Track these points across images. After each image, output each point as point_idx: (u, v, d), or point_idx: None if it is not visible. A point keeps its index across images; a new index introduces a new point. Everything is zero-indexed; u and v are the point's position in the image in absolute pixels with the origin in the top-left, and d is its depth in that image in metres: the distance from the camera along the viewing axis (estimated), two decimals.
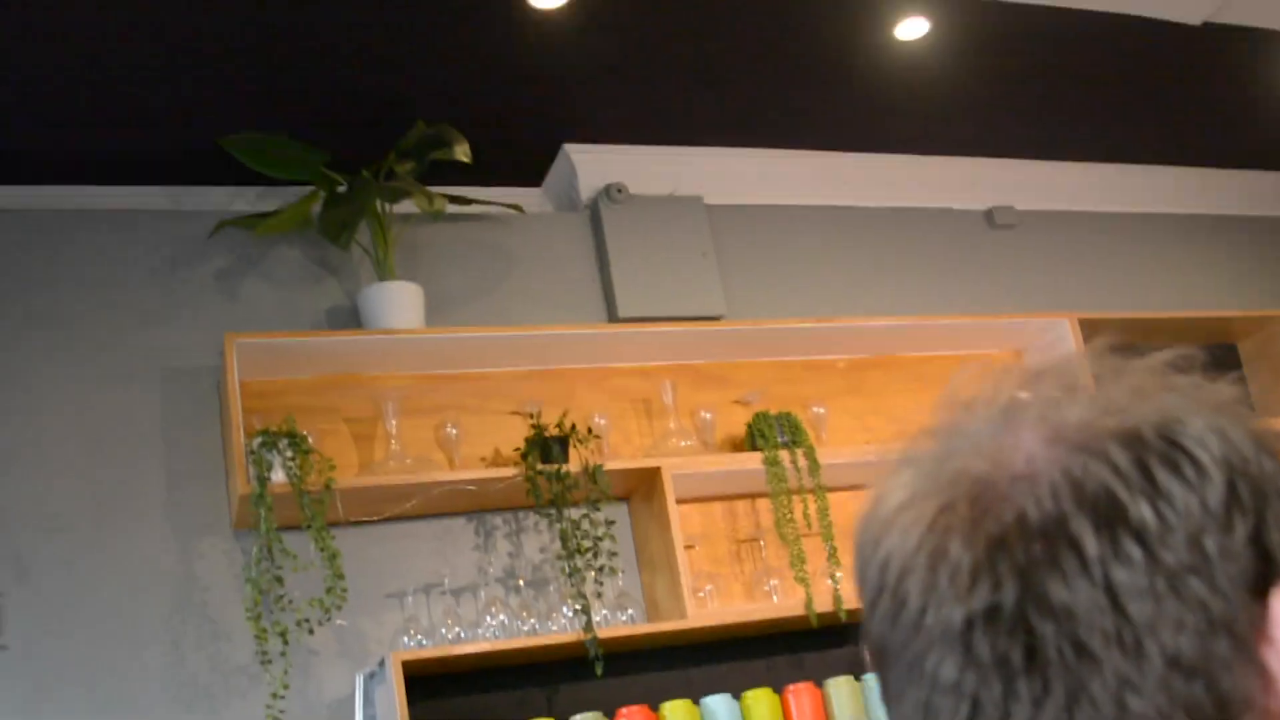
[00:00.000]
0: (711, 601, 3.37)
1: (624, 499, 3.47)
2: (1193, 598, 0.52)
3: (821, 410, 3.68)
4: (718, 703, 3.17)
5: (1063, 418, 0.56)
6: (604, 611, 3.21)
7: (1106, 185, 4.47)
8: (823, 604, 3.27)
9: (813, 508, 3.41)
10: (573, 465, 3.21)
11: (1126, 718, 0.51)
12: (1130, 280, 4.37)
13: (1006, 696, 0.52)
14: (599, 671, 3.05)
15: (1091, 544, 0.52)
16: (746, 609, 3.40)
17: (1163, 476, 0.53)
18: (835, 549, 3.36)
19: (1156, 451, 0.54)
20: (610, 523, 3.21)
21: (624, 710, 3.11)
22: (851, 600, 3.31)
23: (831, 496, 3.44)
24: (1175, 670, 0.51)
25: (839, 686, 3.26)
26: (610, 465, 3.25)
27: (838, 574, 3.34)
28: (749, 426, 3.50)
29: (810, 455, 3.42)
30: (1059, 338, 3.88)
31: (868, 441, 3.66)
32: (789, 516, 3.37)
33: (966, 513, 0.55)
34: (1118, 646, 0.51)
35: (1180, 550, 0.52)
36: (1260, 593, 0.54)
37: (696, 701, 3.17)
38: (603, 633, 3.08)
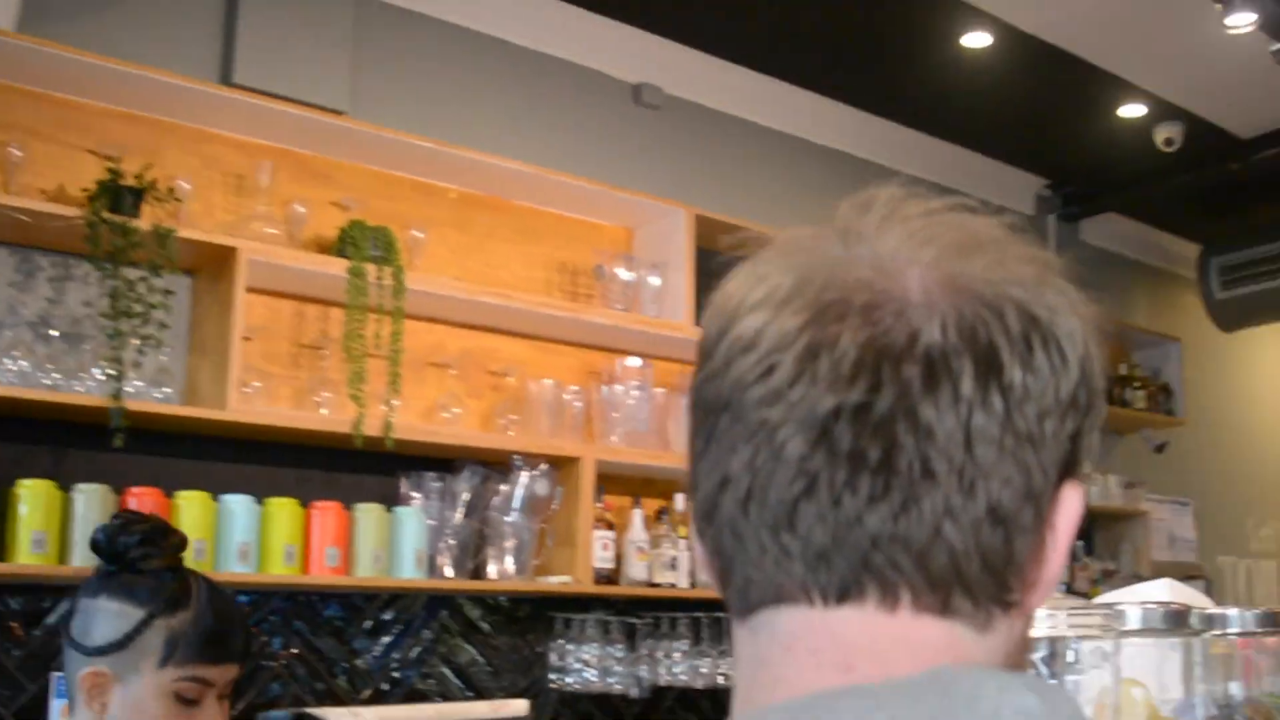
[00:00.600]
0: (257, 400, 3.22)
1: (190, 272, 3.23)
2: (1023, 463, 0.58)
3: (421, 235, 3.57)
4: (238, 503, 3.04)
5: (965, 270, 0.60)
6: (138, 383, 2.98)
7: (762, 96, 4.55)
8: (372, 428, 3.20)
9: (387, 330, 3.31)
10: (143, 222, 2.94)
11: (937, 540, 0.57)
12: (755, 193, 4.50)
13: (846, 485, 0.57)
14: (119, 443, 2.84)
15: (968, 384, 0.57)
16: (291, 414, 3.27)
17: (1039, 355, 0.59)
18: (398, 376, 3.28)
19: (1042, 332, 0.59)
20: (169, 293, 2.97)
21: (135, 490, 2.92)
22: (405, 432, 3.26)
23: (409, 323, 3.36)
24: (990, 517, 0.58)
25: (368, 513, 3.22)
26: (185, 233, 3.00)
27: (395, 401, 3.27)
28: (342, 231, 3.33)
29: (398, 276, 3.31)
30: (673, 227, 3.94)
31: (458, 278, 3.59)
32: (360, 332, 3.25)
33: (859, 317, 0.58)
34: (956, 478, 0.57)
35: (1030, 420, 0.58)
36: (1059, 483, 0.61)
37: (216, 497, 3.03)
38: (132, 404, 2.87)
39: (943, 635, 0.58)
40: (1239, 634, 1.74)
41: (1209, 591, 5.46)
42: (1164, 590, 1.97)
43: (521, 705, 1.48)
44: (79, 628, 1.62)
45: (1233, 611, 1.81)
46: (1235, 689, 1.72)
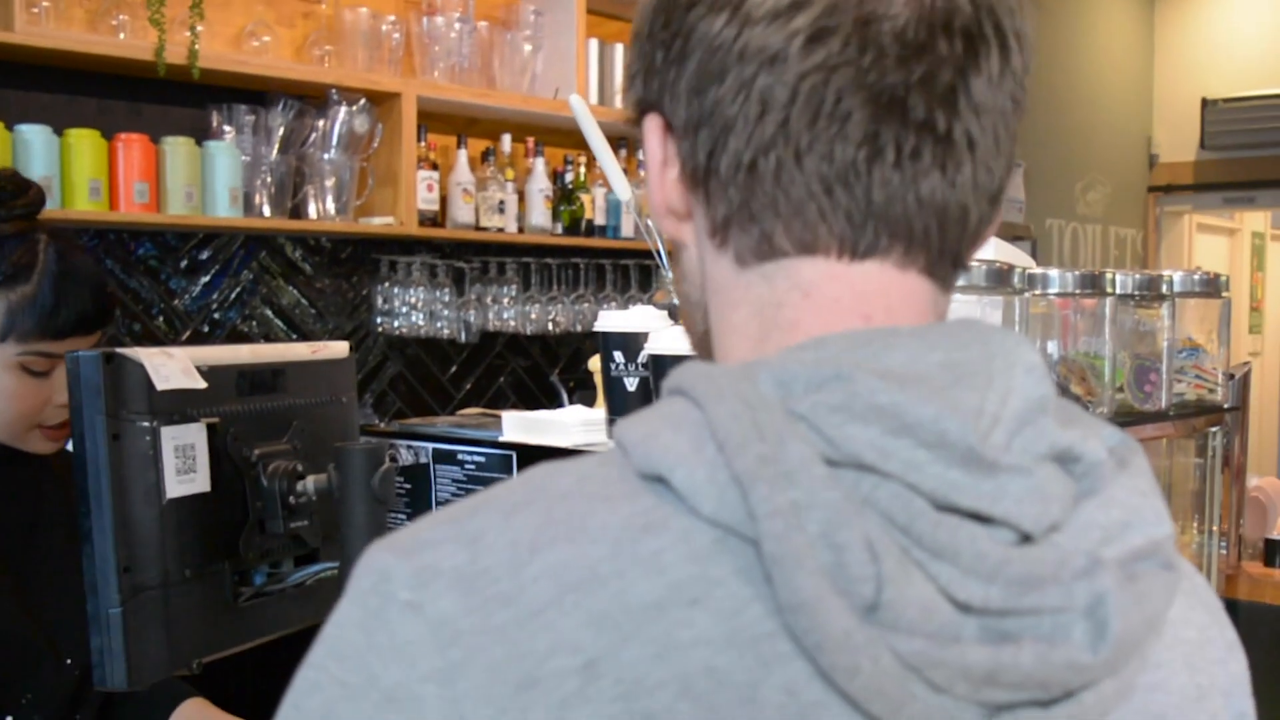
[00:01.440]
0: (47, 21, 2.94)
1: None
2: (1011, 147, 0.65)
3: None
4: (35, 134, 2.83)
5: None
6: None
7: None
8: (176, 56, 2.98)
9: None
10: None
11: (961, 211, 0.62)
12: None
13: (913, 153, 0.60)
14: None
15: (995, 64, 0.62)
16: (86, 39, 3.01)
17: (1026, 44, 0.64)
18: None
19: (1017, 25, 0.63)
20: None
21: None
22: (212, 60, 3.05)
23: None
24: (993, 195, 0.65)
25: (177, 147, 3.04)
26: None
27: (198, 26, 3.03)
28: None
29: None
30: None
31: None
32: None
33: None
34: (989, 153, 0.63)
35: (1019, 105, 0.65)
36: None
37: (10, 127, 2.81)
38: None
39: (930, 294, 0.64)
40: (1059, 294, 1.81)
41: (1034, 253, 5.73)
42: (990, 249, 2.03)
43: (341, 347, 1.45)
44: None
45: (1054, 272, 1.87)
46: (1053, 348, 1.80)
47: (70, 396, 1.20)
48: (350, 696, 0.53)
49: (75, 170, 2.90)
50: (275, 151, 3.28)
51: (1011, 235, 5.52)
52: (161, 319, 3.23)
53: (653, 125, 0.65)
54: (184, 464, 1.23)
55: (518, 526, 0.55)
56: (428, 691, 0.52)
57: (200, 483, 1.25)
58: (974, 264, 1.81)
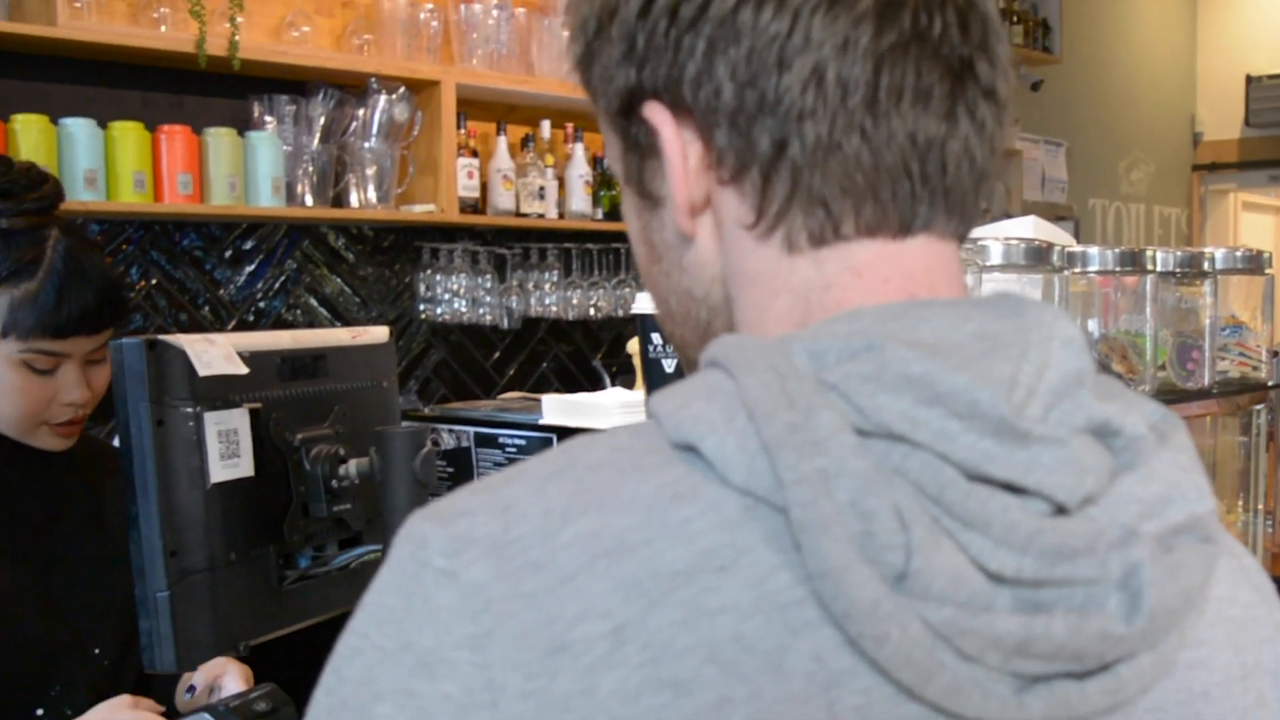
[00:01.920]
0: (90, 15, 2.98)
1: None
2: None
3: None
4: (79, 127, 2.87)
5: None
6: None
7: None
8: (216, 48, 3.01)
9: None
10: None
11: (987, 172, 0.64)
12: None
13: (980, 123, 0.62)
14: None
15: (996, 24, 0.64)
16: (128, 31, 3.04)
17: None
18: None
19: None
20: None
21: None
22: (253, 51, 3.08)
23: None
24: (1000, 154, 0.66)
25: (220, 138, 3.07)
26: None
27: (238, 18, 3.06)
28: None
29: None
30: None
31: None
32: None
33: None
34: (1005, 113, 0.64)
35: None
36: None
37: (55, 121, 2.85)
38: None
39: (956, 259, 0.65)
40: (1099, 272, 1.80)
41: (1077, 233, 5.67)
42: (1028, 227, 2.01)
43: (381, 332, 1.46)
44: None
45: (1094, 250, 1.86)
46: (1093, 326, 1.79)
47: (114, 383, 1.21)
48: (387, 661, 0.54)
49: (120, 162, 2.93)
50: (316, 141, 3.31)
51: (1054, 215, 5.48)
52: (207, 309, 3.27)
53: (661, 115, 0.63)
54: (227, 449, 1.25)
55: (551, 495, 0.55)
56: (460, 657, 0.53)
57: (244, 467, 1.27)
58: (1014, 242, 1.80)
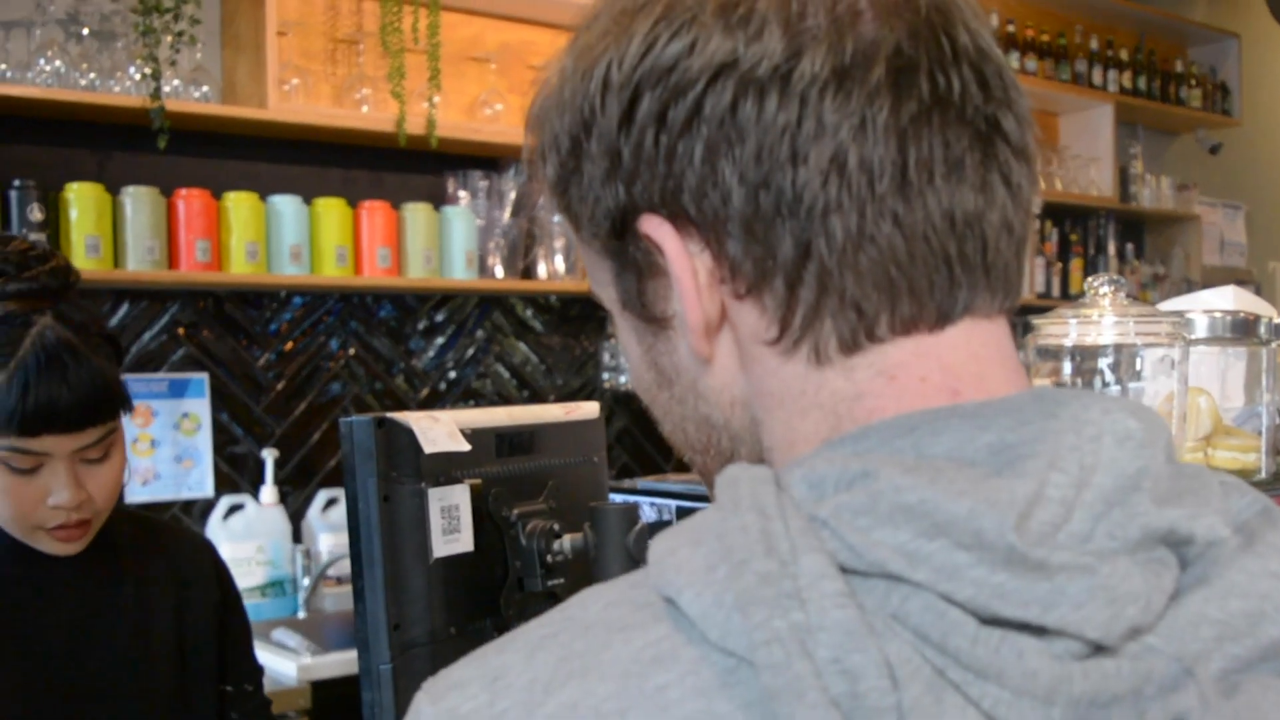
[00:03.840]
0: (296, 97, 3.12)
1: None
2: None
3: None
4: (286, 204, 3.00)
5: None
6: (176, 83, 2.89)
7: None
8: (415, 126, 3.12)
9: (424, 23, 3.18)
10: None
11: (1024, 239, 0.57)
12: None
13: (1014, 191, 0.56)
14: (162, 145, 2.78)
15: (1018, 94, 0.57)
16: (332, 113, 3.18)
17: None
18: (438, 71, 3.18)
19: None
20: None
21: (183, 191, 2.88)
22: (449, 129, 3.18)
23: (446, 16, 3.23)
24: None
25: (417, 213, 3.18)
26: None
27: (435, 98, 3.17)
28: None
29: None
30: None
31: None
32: (396, 25, 3.14)
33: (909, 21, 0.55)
34: (1005, 186, 0.56)
35: None
36: None
37: (264, 198, 2.99)
38: (171, 103, 2.79)
39: (1006, 338, 0.57)
40: None
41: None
42: (1228, 298, 1.94)
43: (592, 407, 1.48)
44: None
45: None
46: None
47: (344, 460, 1.25)
48: None
49: (323, 237, 3.05)
50: (507, 214, 3.39)
51: (1234, 279, 5.27)
52: (401, 378, 3.36)
53: (661, 229, 0.56)
54: (449, 524, 1.27)
55: (538, 664, 0.51)
56: None
57: (464, 542, 1.29)
58: (1217, 314, 1.73)
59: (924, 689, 0.45)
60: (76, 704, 1.44)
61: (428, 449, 1.25)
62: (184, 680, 1.55)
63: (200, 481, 3.07)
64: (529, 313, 3.62)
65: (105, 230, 2.77)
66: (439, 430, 1.27)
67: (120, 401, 1.40)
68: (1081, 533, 0.48)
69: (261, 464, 3.10)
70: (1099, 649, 0.47)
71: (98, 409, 1.36)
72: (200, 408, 3.08)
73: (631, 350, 0.62)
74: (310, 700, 2.57)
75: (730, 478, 0.51)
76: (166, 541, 1.62)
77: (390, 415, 1.27)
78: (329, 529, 3.09)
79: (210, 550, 1.67)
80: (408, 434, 1.26)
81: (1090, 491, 0.48)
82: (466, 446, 1.30)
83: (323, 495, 3.16)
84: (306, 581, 3.04)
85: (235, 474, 3.12)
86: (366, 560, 1.24)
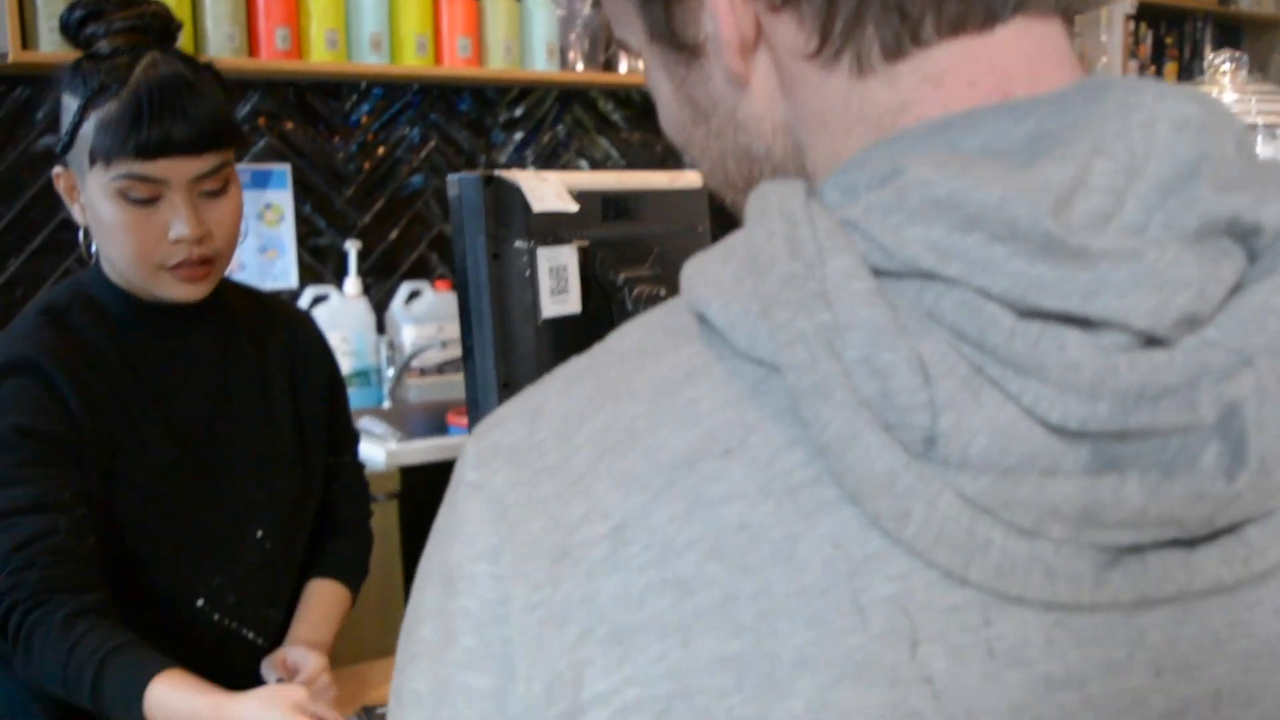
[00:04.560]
0: None
1: None
2: None
3: None
4: None
5: None
6: None
7: None
8: None
9: None
10: None
11: None
12: None
13: None
14: None
15: None
16: None
17: None
18: None
19: None
20: None
21: None
22: None
23: None
24: None
25: (497, 2, 3.10)
26: None
27: None
28: None
29: None
30: None
31: None
32: None
33: None
34: None
35: None
36: None
37: None
38: None
39: (1063, 39, 0.52)
40: None
41: None
42: None
43: (696, 177, 1.45)
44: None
45: None
46: None
47: (452, 217, 1.24)
48: (428, 581, 0.52)
49: (403, 25, 3.00)
50: (589, 5, 3.31)
51: None
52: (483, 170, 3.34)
53: None
54: (557, 285, 1.27)
55: (574, 395, 0.50)
56: (480, 570, 0.50)
57: (572, 304, 1.29)
58: None
59: (960, 386, 0.43)
60: (214, 478, 1.48)
61: (536, 207, 1.24)
62: (304, 451, 1.58)
63: (285, 272, 3.10)
64: (609, 106, 3.56)
65: (185, 15, 2.73)
66: (547, 189, 1.25)
67: (234, 131, 1.42)
68: (1134, 224, 0.45)
69: (344, 255, 3.11)
70: (1151, 341, 0.44)
71: (214, 132, 1.38)
72: (283, 198, 3.08)
73: (662, 88, 0.58)
74: (399, 484, 2.63)
75: (761, 192, 0.49)
76: (280, 315, 1.64)
77: (498, 173, 1.25)
78: (412, 321, 3.12)
79: (316, 325, 1.69)
80: (516, 193, 1.25)
81: (1144, 181, 0.45)
82: (575, 206, 1.28)
83: (405, 287, 3.18)
84: (391, 372, 3.08)
85: (319, 265, 3.14)
86: (476, 317, 1.24)
